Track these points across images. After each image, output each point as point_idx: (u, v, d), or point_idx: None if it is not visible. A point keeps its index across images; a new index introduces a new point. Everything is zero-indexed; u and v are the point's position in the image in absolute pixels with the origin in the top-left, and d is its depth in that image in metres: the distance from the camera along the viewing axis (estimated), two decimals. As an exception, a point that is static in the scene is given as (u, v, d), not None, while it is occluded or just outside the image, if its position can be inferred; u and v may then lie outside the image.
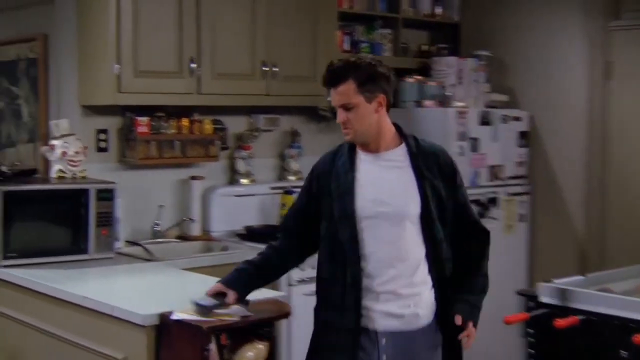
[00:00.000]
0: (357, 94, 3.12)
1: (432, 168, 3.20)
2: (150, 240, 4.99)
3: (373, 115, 3.16)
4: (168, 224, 5.14)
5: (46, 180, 4.57)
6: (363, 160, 3.24)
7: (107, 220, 4.43)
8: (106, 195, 4.44)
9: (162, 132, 4.99)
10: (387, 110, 3.22)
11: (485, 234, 3.31)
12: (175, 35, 4.82)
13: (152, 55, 4.70)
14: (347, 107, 3.14)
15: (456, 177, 3.25)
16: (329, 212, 3.18)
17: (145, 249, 4.69)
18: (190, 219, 5.19)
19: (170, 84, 4.83)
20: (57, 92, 5.00)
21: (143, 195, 5.01)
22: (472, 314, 3.17)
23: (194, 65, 4.86)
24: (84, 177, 4.60)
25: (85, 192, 4.39)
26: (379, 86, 3.16)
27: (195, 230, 5.21)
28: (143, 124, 4.90)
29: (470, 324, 3.14)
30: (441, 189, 3.18)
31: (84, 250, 4.39)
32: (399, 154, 3.21)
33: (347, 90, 3.12)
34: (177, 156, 5.07)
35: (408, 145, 3.23)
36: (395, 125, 3.26)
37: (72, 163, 4.64)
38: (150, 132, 4.94)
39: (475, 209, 3.65)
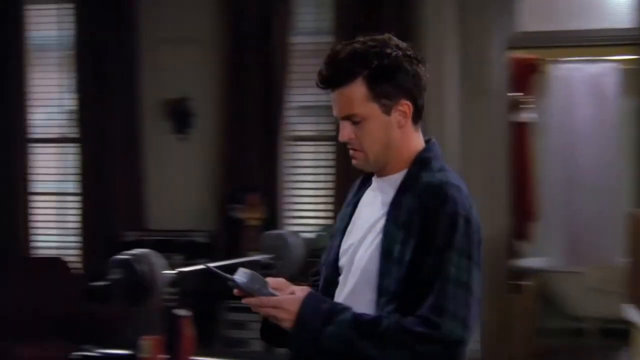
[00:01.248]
0: (368, 101, 2.27)
1: (412, 214, 2.25)
2: None
3: (394, 132, 2.32)
4: None
5: None
6: (369, 188, 2.45)
7: None
8: None
9: None
10: (415, 121, 2.36)
11: (429, 340, 2.16)
12: None
13: None
14: (353, 120, 2.30)
15: (433, 239, 2.22)
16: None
17: None
18: None
19: None
20: None
21: None
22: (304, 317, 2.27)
23: None
24: None
25: None
26: (403, 87, 2.28)
27: None
28: None
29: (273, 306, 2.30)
30: (408, 249, 2.23)
31: None
32: (392, 183, 2.37)
33: (353, 95, 2.27)
34: None
35: (408, 173, 2.34)
36: (429, 142, 2.39)
37: None
38: None
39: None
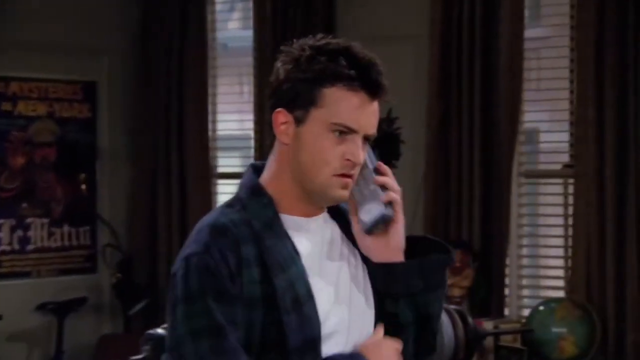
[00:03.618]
0: None
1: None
2: None
3: None
4: None
5: None
6: (295, 233, 2.23)
7: None
8: None
9: None
10: None
11: None
12: None
13: None
14: (370, 138, 2.21)
15: None
16: (274, 336, 2.13)
17: None
18: None
19: None
20: None
21: None
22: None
23: None
24: None
25: None
26: None
27: None
28: None
29: None
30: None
31: None
32: (327, 215, 2.30)
33: (379, 109, 2.23)
34: None
35: None
36: None
37: None
38: None
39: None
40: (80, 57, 6.43)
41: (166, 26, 6.43)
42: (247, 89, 6.41)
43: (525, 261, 5.43)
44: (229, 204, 2.23)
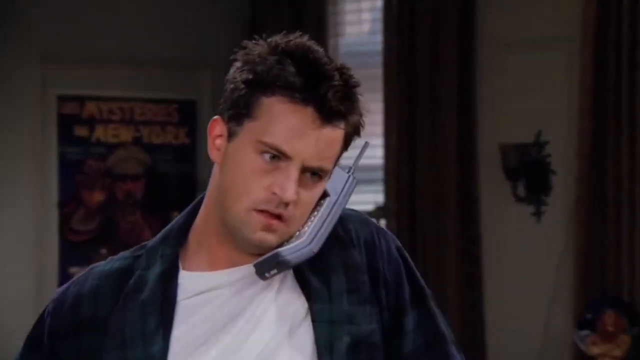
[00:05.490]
0: (337, 157, 1.96)
1: (334, 271, 1.98)
2: None
3: None
4: None
5: None
6: (192, 296, 1.97)
7: None
8: None
9: None
10: None
11: None
12: None
13: None
14: (318, 172, 1.92)
15: (402, 280, 2.00)
16: None
17: None
18: None
19: None
20: None
21: None
22: None
23: None
24: None
25: None
26: None
27: None
28: None
29: None
30: (364, 320, 1.96)
31: None
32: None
33: (337, 143, 1.93)
34: None
35: None
36: None
37: None
38: None
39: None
40: (175, 72, 6.23)
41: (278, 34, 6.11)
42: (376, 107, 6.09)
43: None
44: (137, 247, 2.07)
